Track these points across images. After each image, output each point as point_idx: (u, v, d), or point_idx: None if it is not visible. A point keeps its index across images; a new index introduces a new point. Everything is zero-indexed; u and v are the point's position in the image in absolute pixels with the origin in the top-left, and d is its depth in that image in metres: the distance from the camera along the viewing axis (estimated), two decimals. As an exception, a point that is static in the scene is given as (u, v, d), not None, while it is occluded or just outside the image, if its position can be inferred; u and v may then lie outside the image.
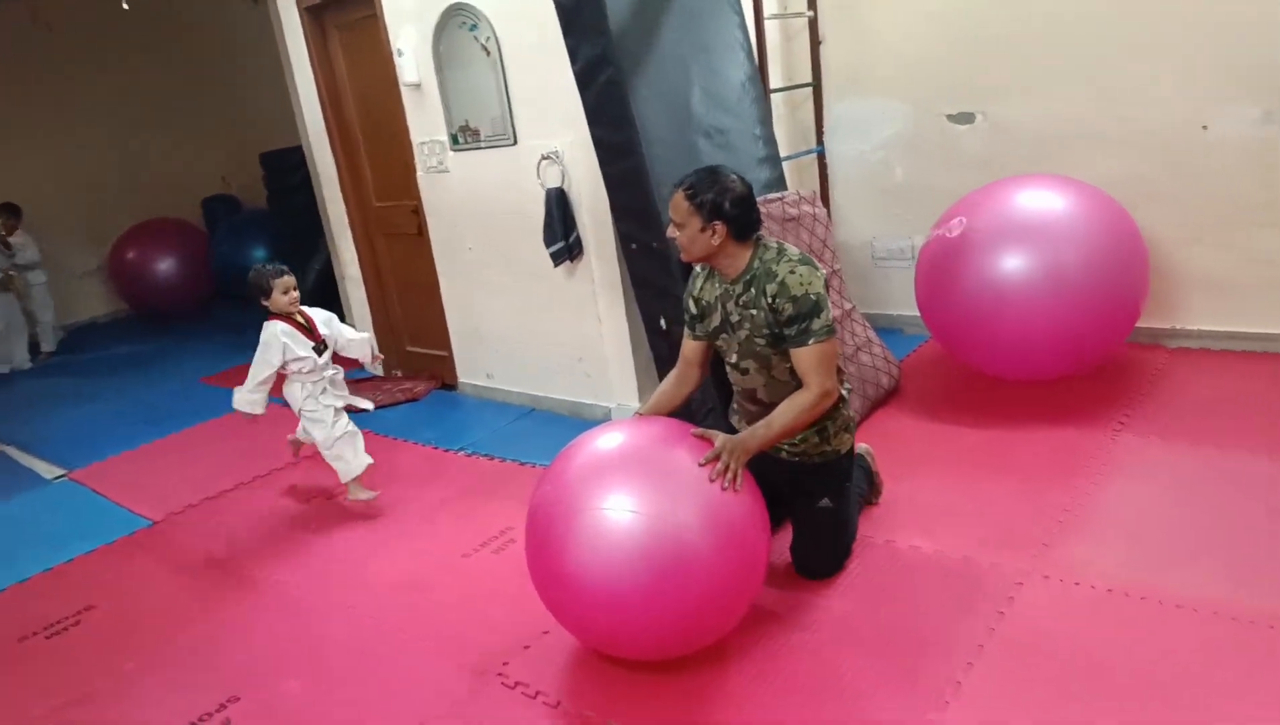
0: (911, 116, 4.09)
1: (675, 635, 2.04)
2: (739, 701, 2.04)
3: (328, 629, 2.60)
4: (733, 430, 2.41)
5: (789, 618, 2.28)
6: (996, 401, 3.31)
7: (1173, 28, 3.36)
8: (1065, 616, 2.15)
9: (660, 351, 3.29)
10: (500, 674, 2.26)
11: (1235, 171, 3.38)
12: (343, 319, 3.45)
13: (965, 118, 3.97)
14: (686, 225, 2.24)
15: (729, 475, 2.03)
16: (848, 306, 3.62)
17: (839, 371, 2.34)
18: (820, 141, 4.35)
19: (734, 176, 2.26)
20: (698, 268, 2.43)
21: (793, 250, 2.28)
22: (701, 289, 2.41)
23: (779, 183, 3.68)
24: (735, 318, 2.31)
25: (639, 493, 1.99)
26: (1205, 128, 3.40)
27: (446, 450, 3.80)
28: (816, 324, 2.17)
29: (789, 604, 2.33)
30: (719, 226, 2.22)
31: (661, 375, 3.31)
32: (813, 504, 2.38)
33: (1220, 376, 3.32)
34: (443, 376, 4.62)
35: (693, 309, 2.44)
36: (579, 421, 3.83)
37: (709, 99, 3.41)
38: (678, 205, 2.25)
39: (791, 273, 2.20)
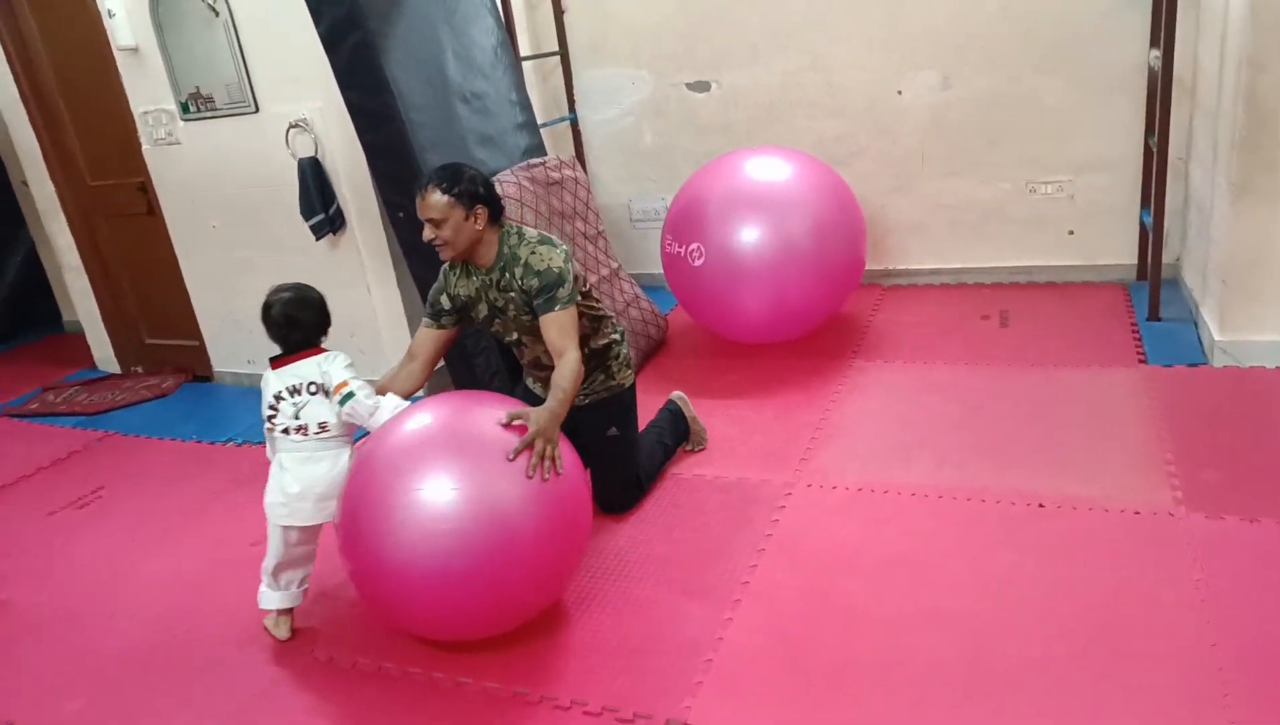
0: (653, 84, 4.35)
1: (507, 612, 2.04)
2: (549, 632, 2.17)
3: (106, 642, 2.40)
4: (531, 396, 2.56)
5: (591, 550, 2.44)
6: (751, 346, 3.66)
7: (872, 4, 3.86)
8: (827, 515, 2.49)
9: (437, 319, 3.30)
10: (310, 652, 2.22)
11: (922, 130, 3.96)
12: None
13: (702, 86, 4.29)
14: (448, 219, 2.28)
15: (546, 462, 2.00)
16: (614, 266, 3.82)
17: (611, 318, 2.59)
18: (572, 109, 4.50)
19: (469, 165, 2.36)
20: (446, 266, 2.48)
21: (530, 232, 2.42)
22: (456, 285, 2.47)
23: (539, 149, 3.79)
24: (501, 302, 2.42)
25: (455, 470, 1.93)
26: (900, 92, 3.94)
27: (212, 443, 3.56)
28: (561, 292, 2.32)
29: (593, 542, 2.49)
30: (480, 211, 2.31)
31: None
32: (602, 435, 2.55)
33: (924, 306, 3.91)
34: (193, 368, 4.28)
35: (445, 304, 2.48)
36: (355, 398, 3.74)
37: (463, 63, 3.43)
38: (434, 204, 2.27)
39: (532, 254, 2.35)
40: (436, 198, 2.28)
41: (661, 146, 4.46)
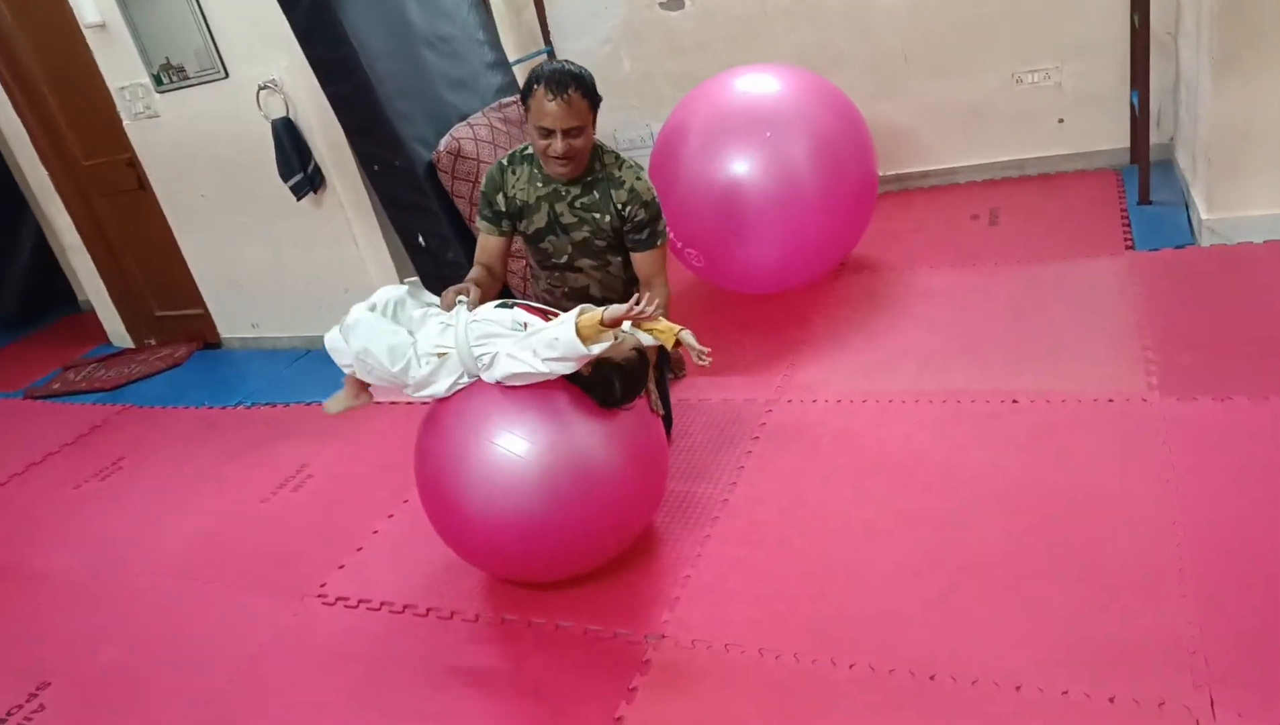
0: (628, 8, 4.27)
1: (591, 554, 2.06)
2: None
3: (131, 598, 2.55)
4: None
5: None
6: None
7: (836, -98, 3.73)
8: (806, 428, 2.54)
9: (425, 268, 3.34)
10: (320, 595, 2.35)
11: (902, 30, 3.86)
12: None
13: (676, 4, 4.19)
14: (587, 126, 2.08)
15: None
16: (596, 198, 3.82)
17: None
18: (548, 41, 4.44)
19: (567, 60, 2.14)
20: (504, 160, 2.28)
21: (623, 156, 2.26)
22: (515, 186, 2.25)
23: (512, 87, 3.76)
24: (570, 220, 2.24)
25: (531, 425, 1.91)
26: (875, -7, 3.83)
27: (223, 407, 3.69)
28: (661, 226, 2.26)
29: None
30: (595, 117, 2.12)
31: (432, 292, 3.39)
32: None
33: (914, 211, 3.86)
34: (203, 335, 4.40)
35: (500, 205, 2.28)
36: (357, 352, 3.83)
37: (426, 7, 3.40)
38: (577, 110, 2.03)
39: (638, 179, 2.22)
40: (580, 101, 2.02)
41: (642, 73, 4.39)
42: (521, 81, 2.31)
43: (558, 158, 2.12)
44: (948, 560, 1.94)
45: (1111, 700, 1.54)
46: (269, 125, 3.45)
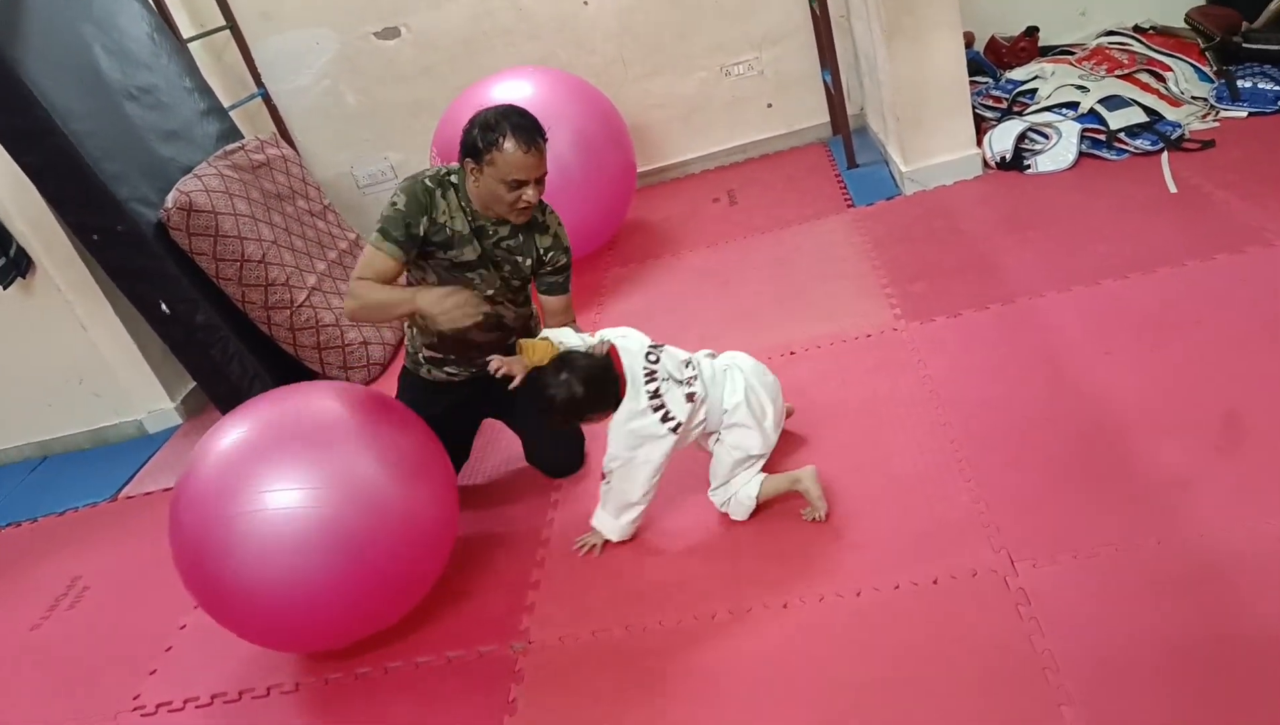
0: (339, 41, 4.16)
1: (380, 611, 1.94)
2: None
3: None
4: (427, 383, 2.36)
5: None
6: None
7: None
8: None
9: (175, 338, 3.06)
10: (136, 708, 2.10)
11: (616, 36, 4.09)
12: None
13: (391, 33, 4.15)
14: (545, 174, 2.06)
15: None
16: (352, 236, 3.71)
17: None
18: (260, 84, 4.21)
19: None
20: (428, 182, 2.11)
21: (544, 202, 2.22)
22: (448, 214, 2.12)
23: (234, 133, 3.55)
24: (498, 258, 2.19)
25: (297, 470, 1.78)
26: (585, 3, 4.02)
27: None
28: (569, 271, 2.27)
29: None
30: None
31: (186, 362, 3.11)
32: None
33: (661, 202, 4.11)
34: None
35: (420, 230, 2.09)
36: (109, 447, 3.44)
37: (119, 59, 3.13)
38: (545, 155, 2.02)
39: (559, 226, 2.23)
40: (544, 147, 2.01)
41: (368, 105, 4.30)
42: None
43: (528, 207, 2.07)
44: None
45: (935, 582, 1.76)
46: (-52, 210, 3.00)
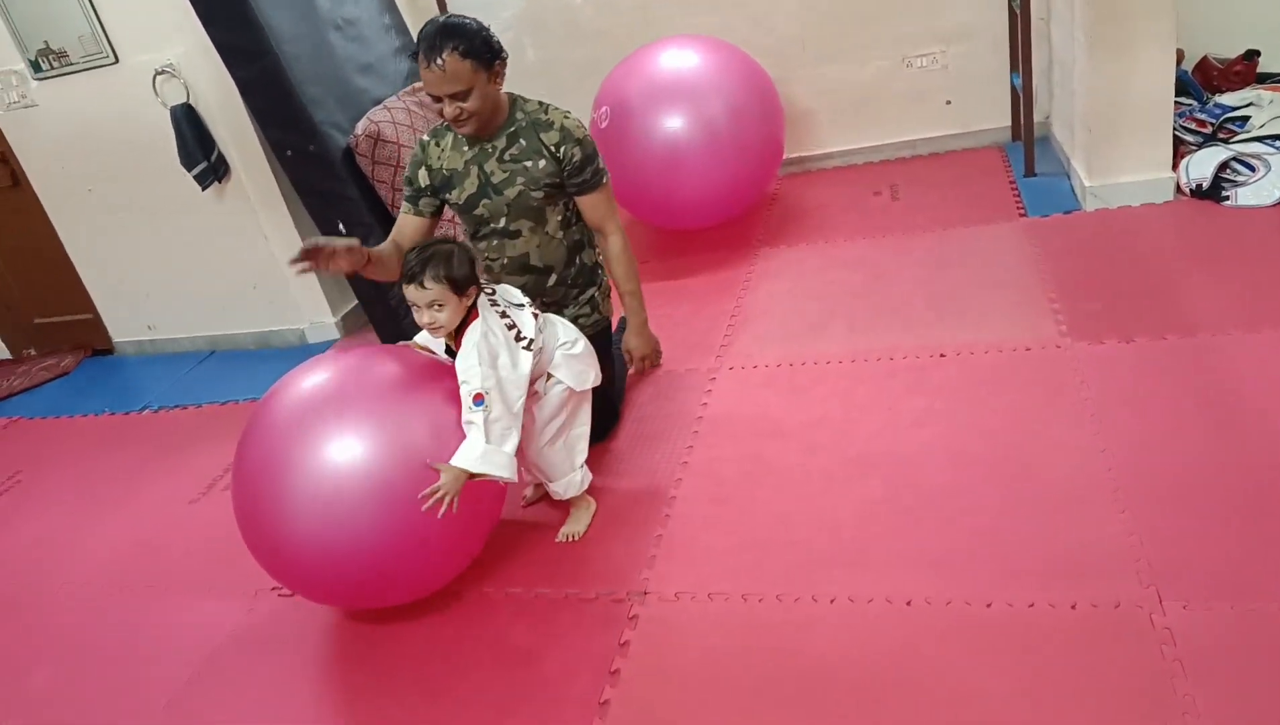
0: (529, -8, 4.27)
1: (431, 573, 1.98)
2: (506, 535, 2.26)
3: (61, 616, 2.38)
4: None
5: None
6: (663, 245, 3.73)
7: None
8: (752, 391, 2.63)
9: (345, 257, 3.25)
10: (275, 588, 2.26)
11: (798, 17, 4.03)
12: None
13: (577, -10, 4.23)
14: (474, 87, 1.99)
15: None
16: (513, 183, 3.82)
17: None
18: (447, 29, 4.37)
19: (464, 15, 2.07)
20: (426, 136, 2.21)
21: (547, 101, 2.20)
22: (440, 157, 2.16)
23: (418, 74, 3.70)
24: (500, 177, 2.15)
25: (362, 424, 1.79)
26: (774, -19, 3.98)
27: (126, 413, 3.47)
28: (600, 163, 2.19)
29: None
30: (500, 67, 2.05)
31: (352, 282, 3.30)
32: None
33: (820, 189, 4.04)
34: (91, 342, 4.11)
35: (421, 182, 2.18)
36: (272, 351, 3.69)
37: (330, -10, 3.31)
38: (456, 73, 1.94)
39: (567, 118, 2.15)
40: (457, 64, 1.93)
41: (544, 61, 4.40)
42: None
43: (460, 121, 2.07)
44: (903, 499, 2.06)
45: (1073, 607, 1.69)
46: (166, 113, 3.27)
